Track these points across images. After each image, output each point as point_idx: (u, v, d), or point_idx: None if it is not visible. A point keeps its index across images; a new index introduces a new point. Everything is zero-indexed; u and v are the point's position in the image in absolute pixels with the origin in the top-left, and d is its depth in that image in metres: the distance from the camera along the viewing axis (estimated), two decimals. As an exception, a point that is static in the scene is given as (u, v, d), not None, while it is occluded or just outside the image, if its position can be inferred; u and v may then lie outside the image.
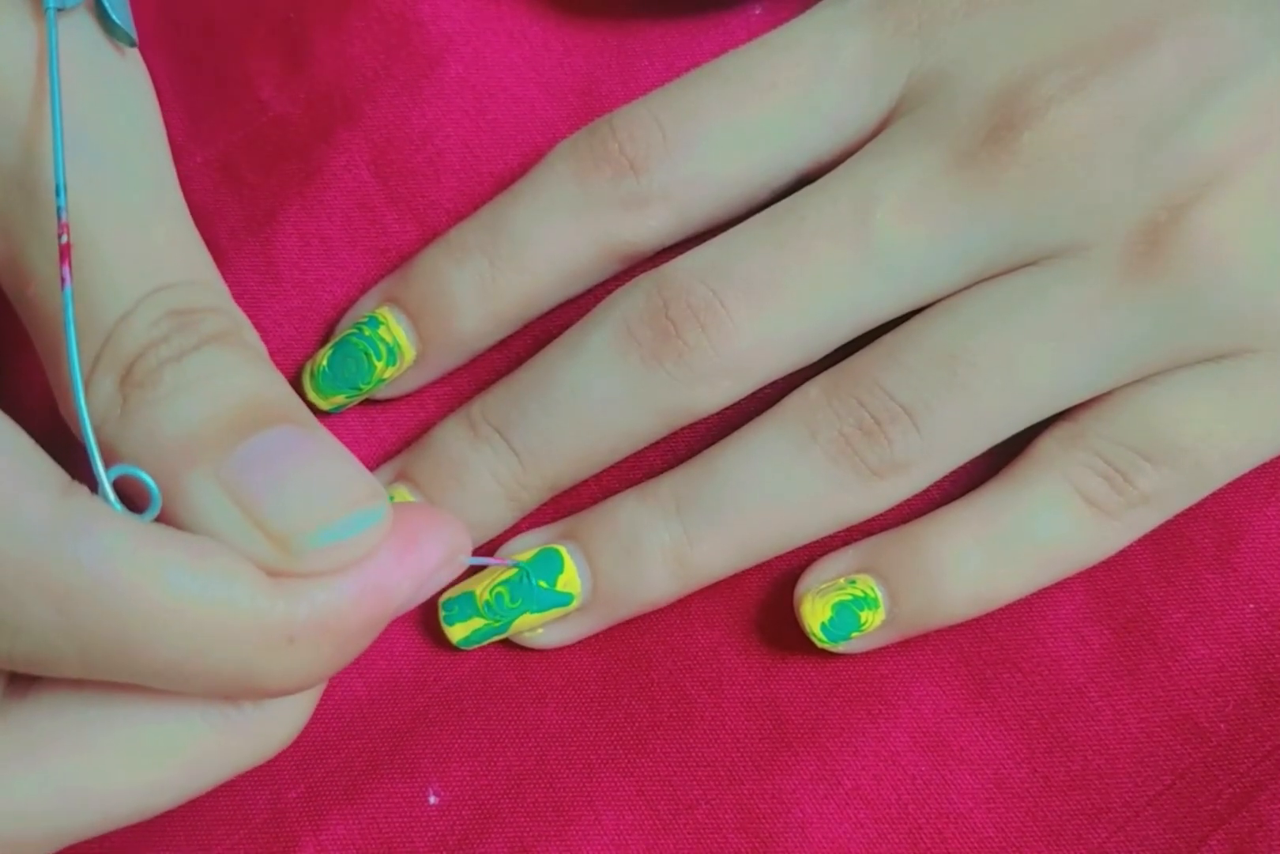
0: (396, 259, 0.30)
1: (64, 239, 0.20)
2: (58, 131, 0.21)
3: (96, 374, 0.20)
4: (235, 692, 0.21)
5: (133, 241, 0.21)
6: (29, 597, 0.18)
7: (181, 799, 0.22)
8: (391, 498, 0.28)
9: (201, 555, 0.19)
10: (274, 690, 0.21)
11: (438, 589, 0.22)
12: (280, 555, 0.20)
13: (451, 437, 0.28)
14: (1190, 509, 0.28)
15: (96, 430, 0.20)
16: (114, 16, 0.23)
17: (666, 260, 0.27)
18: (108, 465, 0.20)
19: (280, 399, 0.21)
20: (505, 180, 0.30)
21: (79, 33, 0.22)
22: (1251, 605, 0.28)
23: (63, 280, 0.20)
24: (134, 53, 0.24)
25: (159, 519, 0.20)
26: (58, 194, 0.20)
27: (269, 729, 0.22)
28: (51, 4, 0.22)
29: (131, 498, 0.20)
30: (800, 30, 0.28)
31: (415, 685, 0.29)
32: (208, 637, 0.19)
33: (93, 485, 0.19)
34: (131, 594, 0.18)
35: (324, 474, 0.20)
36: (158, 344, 0.20)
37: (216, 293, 0.22)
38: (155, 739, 0.21)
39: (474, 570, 0.28)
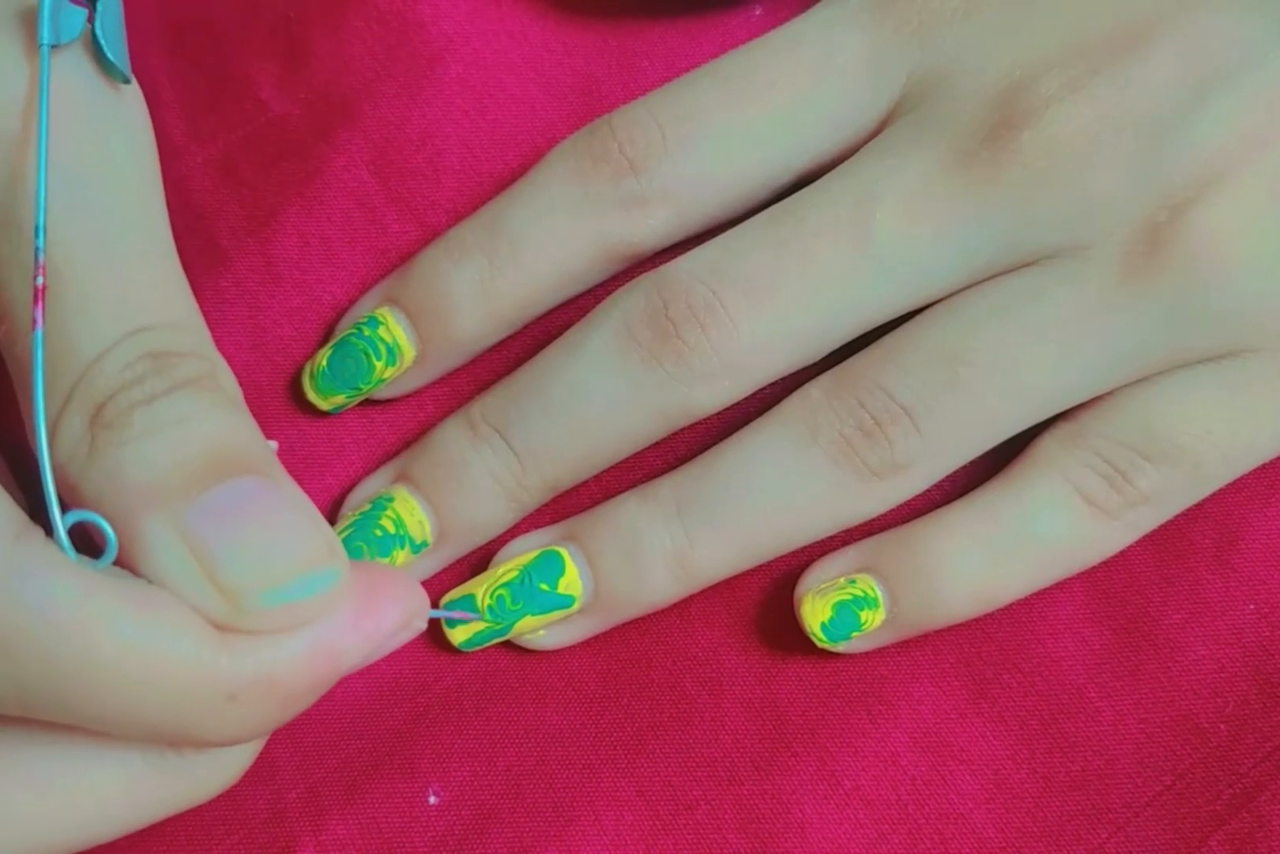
0: (396, 259, 0.30)
1: (39, 281, 0.20)
2: (41, 172, 0.21)
3: (67, 412, 0.20)
4: (174, 740, 0.21)
5: (113, 282, 0.21)
6: None
7: (117, 835, 0.22)
8: (391, 498, 0.28)
9: (149, 607, 0.19)
10: (213, 742, 0.21)
11: (393, 650, 0.22)
12: (229, 611, 0.20)
13: (451, 437, 0.28)
14: (1190, 509, 0.28)
15: (63, 467, 0.20)
16: (108, 54, 0.22)
17: (666, 261, 0.27)
18: (68, 507, 0.20)
19: (248, 449, 0.21)
20: (505, 180, 0.30)
21: (72, 69, 0.22)
22: (1252, 606, 0.28)
23: (34, 322, 0.20)
24: (132, 88, 0.24)
25: (117, 562, 0.20)
26: (37, 235, 0.20)
27: (209, 773, 0.22)
28: (46, 40, 0.22)
29: (92, 541, 0.20)
30: (800, 30, 0.28)
31: (415, 686, 0.29)
32: (148, 688, 0.19)
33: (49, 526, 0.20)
34: (74, 641, 0.18)
35: (283, 530, 0.20)
36: (130, 386, 0.20)
37: (195, 336, 0.22)
38: (95, 778, 0.21)
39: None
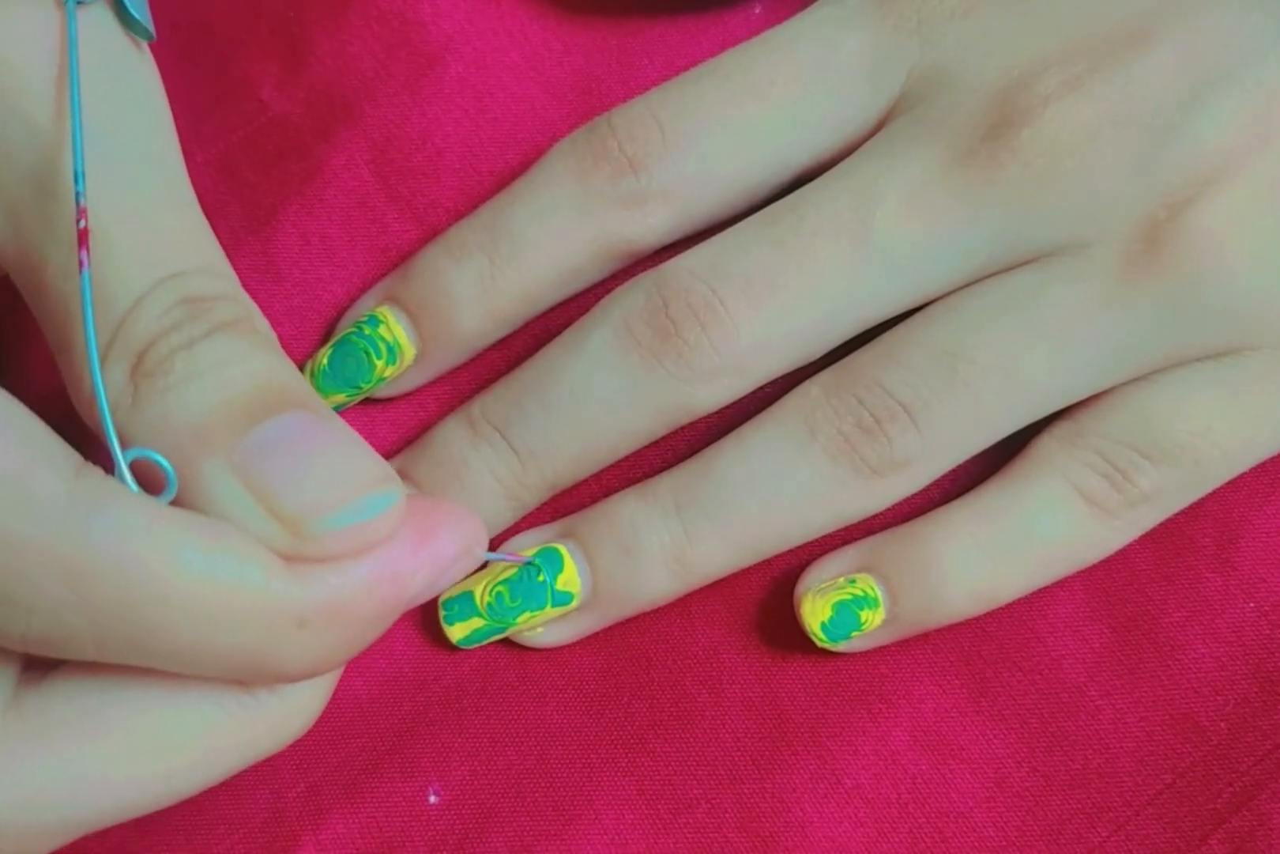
0: (396, 258, 0.30)
1: (82, 224, 0.20)
2: (76, 121, 0.21)
3: (108, 362, 0.20)
4: (247, 675, 0.21)
5: (144, 230, 0.21)
6: (43, 575, 0.18)
7: (196, 788, 0.22)
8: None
9: (216, 537, 0.19)
10: (286, 675, 0.21)
11: (455, 581, 0.22)
12: (293, 539, 0.20)
13: (451, 436, 0.28)
14: (1190, 508, 0.28)
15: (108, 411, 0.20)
16: (133, 11, 0.23)
17: (666, 259, 0.27)
18: (122, 448, 0.20)
19: (291, 385, 0.21)
20: (505, 179, 0.30)
21: (97, 26, 0.23)
22: (1252, 604, 0.28)
23: (81, 264, 0.20)
24: (145, 49, 0.24)
25: (174, 504, 0.20)
26: (76, 181, 0.21)
27: (284, 717, 0.22)
28: None
29: (147, 484, 0.20)
30: (799, 28, 0.28)
31: (415, 685, 0.29)
32: (220, 618, 0.19)
33: (108, 471, 0.20)
34: (145, 573, 0.19)
35: (336, 458, 0.20)
36: (169, 332, 0.20)
37: (227, 280, 0.22)
38: (170, 726, 0.21)
39: (482, 566, 0.28)
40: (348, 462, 0.20)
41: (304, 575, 0.20)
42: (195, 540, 0.19)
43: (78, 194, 0.21)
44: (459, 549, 0.21)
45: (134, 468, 0.20)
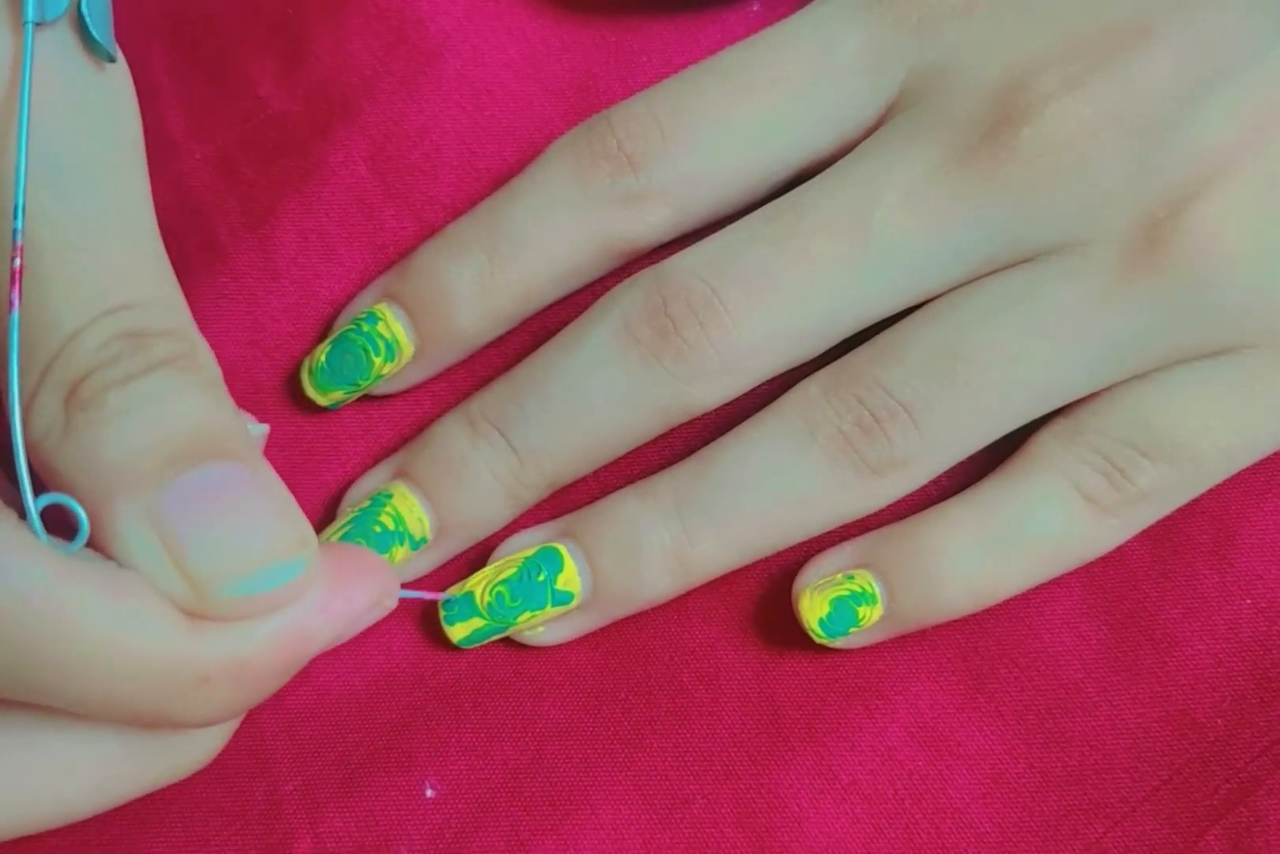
0: (395, 255, 0.30)
1: (16, 263, 0.20)
2: (22, 153, 0.21)
3: (42, 390, 0.20)
4: (147, 723, 0.21)
5: (91, 260, 0.21)
6: None
7: (87, 814, 0.22)
8: (390, 495, 0.28)
9: (119, 592, 0.19)
10: (187, 725, 0.21)
11: (362, 630, 0.22)
12: (195, 599, 0.20)
13: (451, 434, 0.28)
14: (1187, 505, 0.28)
15: (38, 445, 0.20)
16: (94, 32, 0.22)
17: (665, 257, 0.27)
18: (42, 488, 0.20)
19: (223, 431, 0.21)
20: (503, 177, 0.30)
21: (57, 47, 0.22)
22: (1249, 601, 0.28)
23: (10, 304, 0.20)
24: (119, 67, 0.23)
25: (90, 544, 0.20)
26: (15, 215, 0.20)
27: (184, 752, 0.22)
28: (30, 18, 0.21)
29: (68, 520, 0.20)
30: (798, 26, 0.28)
31: (412, 680, 0.29)
32: (121, 672, 0.19)
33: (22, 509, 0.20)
34: (48, 626, 0.19)
35: (252, 519, 0.20)
36: (105, 366, 0.20)
37: (173, 315, 0.22)
38: (68, 756, 0.21)
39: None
40: (263, 524, 0.20)
41: (206, 634, 0.20)
42: (99, 595, 0.19)
43: (15, 231, 0.20)
44: (368, 602, 0.22)
45: (53, 508, 0.20)
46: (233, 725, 0.23)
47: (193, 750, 0.22)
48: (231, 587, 0.20)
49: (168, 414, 0.20)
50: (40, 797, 0.21)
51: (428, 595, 0.28)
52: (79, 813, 0.22)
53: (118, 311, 0.21)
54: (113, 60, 0.23)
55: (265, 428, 0.25)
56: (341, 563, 0.21)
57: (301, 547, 0.20)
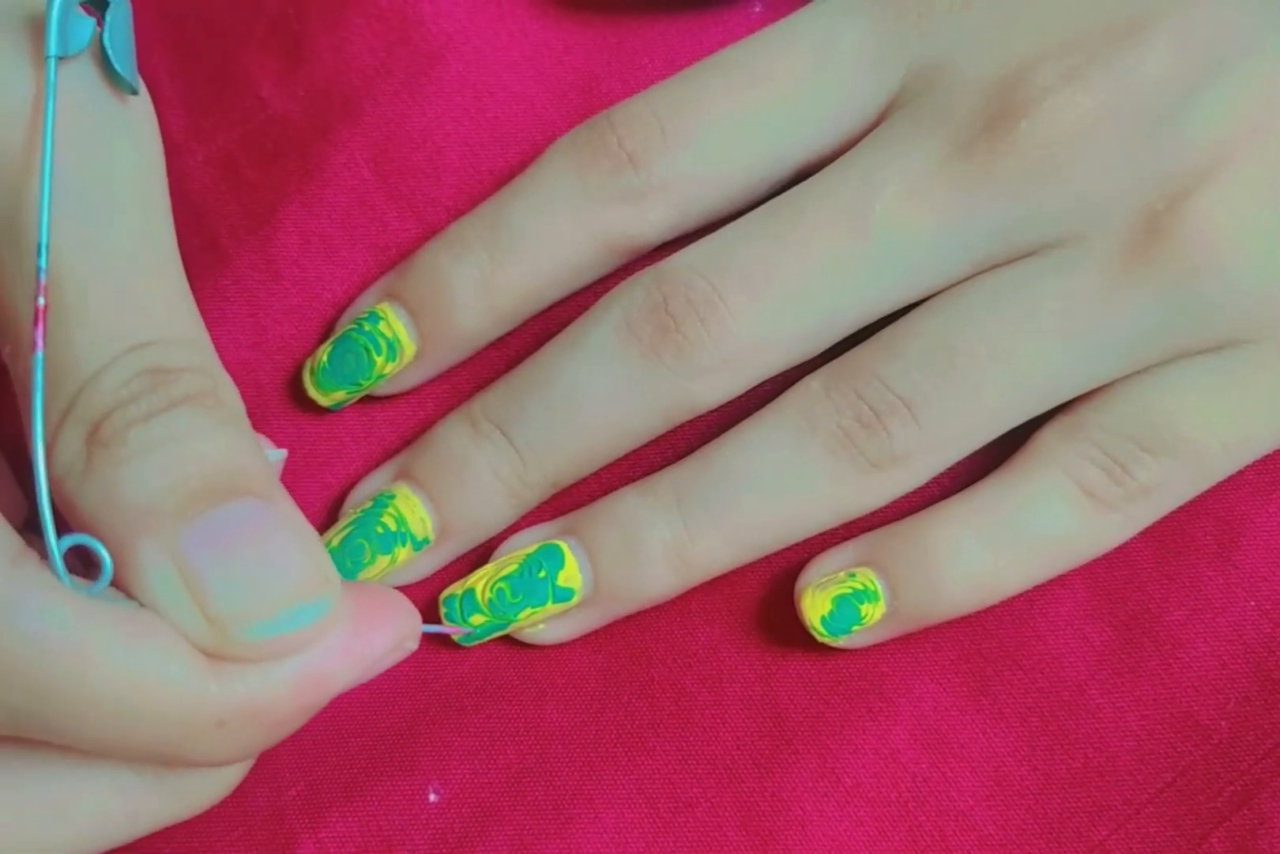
0: (396, 257, 0.30)
1: (40, 301, 0.20)
2: (45, 189, 0.21)
3: (65, 427, 0.20)
4: (162, 762, 0.21)
5: (114, 297, 0.21)
6: None
7: (108, 847, 0.22)
8: (392, 496, 0.28)
9: (140, 633, 0.19)
10: (202, 765, 0.21)
11: (381, 671, 0.22)
12: (216, 640, 0.20)
13: (453, 434, 0.28)
14: (1191, 505, 0.28)
15: (60, 482, 0.20)
16: (116, 65, 0.22)
17: (667, 255, 0.27)
18: (65, 523, 0.20)
19: (246, 468, 0.21)
20: (505, 178, 0.30)
21: (79, 80, 0.22)
22: (1253, 602, 0.28)
23: (35, 344, 0.20)
24: (141, 98, 0.23)
25: (113, 582, 0.20)
26: (39, 253, 0.20)
27: (201, 788, 0.22)
28: (53, 52, 0.21)
29: (87, 563, 0.20)
30: (798, 23, 0.28)
31: (415, 683, 0.29)
32: (138, 714, 0.19)
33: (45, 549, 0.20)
34: (67, 667, 0.19)
35: (274, 560, 0.20)
36: (127, 404, 0.20)
37: (196, 351, 0.22)
38: (86, 792, 0.21)
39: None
40: (285, 565, 0.20)
41: (225, 676, 0.20)
42: (120, 635, 0.19)
43: (39, 269, 0.20)
44: (389, 645, 0.21)
45: (76, 547, 0.20)
46: (249, 762, 0.23)
47: (209, 787, 0.22)
48: (254, 629, 0.20)
49: (190, 452, 0.20)
50: (57, 835, 0.21)
51: (451, 630, 0.28)
52: (96, 848, 0.22)
53: (140, 349, 0.21)
54: (135, 93, 0.23)
55: (283, 453, 0.24)
56: (364, 602, 0.21)
57: (325, 587, 0.20)
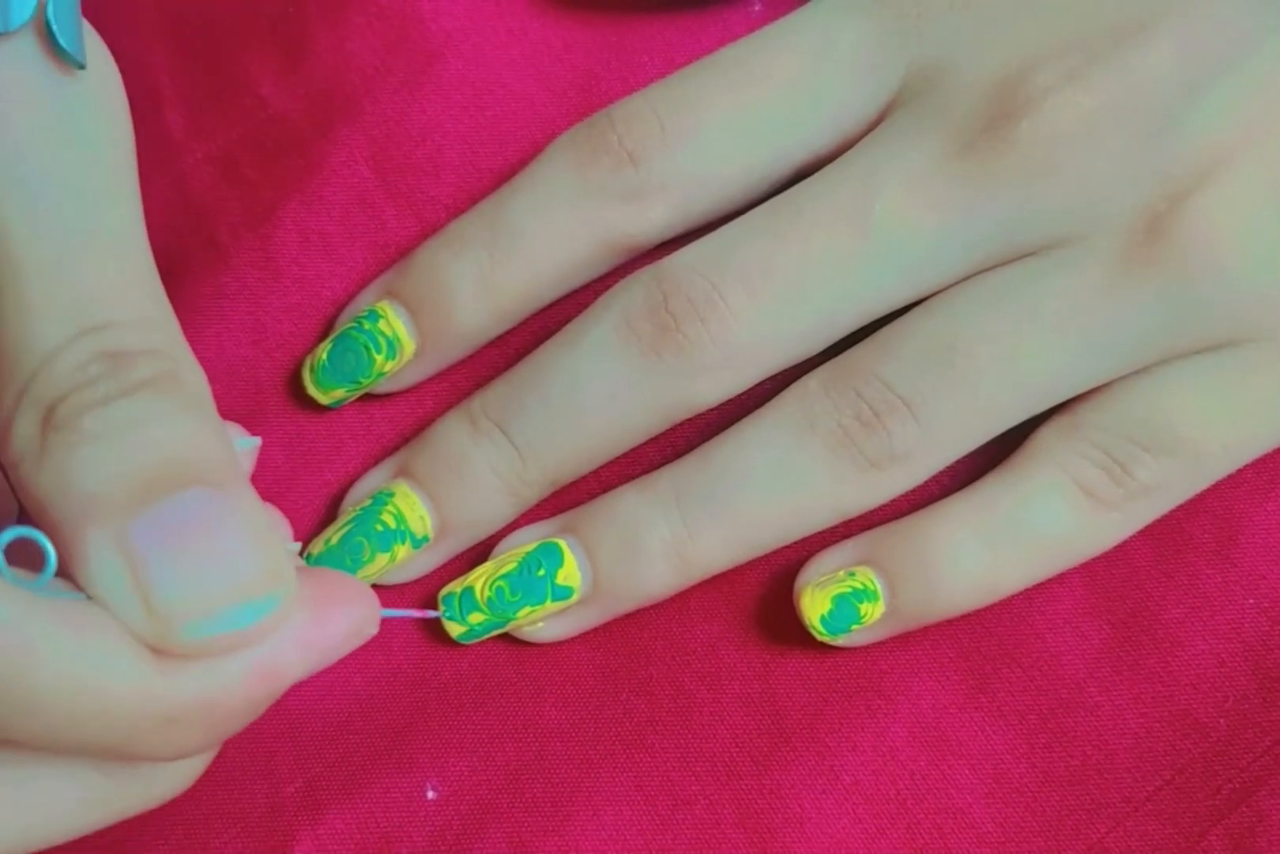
0: (396, 255, 0.30)
1: None
2: None
3: (20, 411, 0.20)
4: (115, 759, 0.20)
5: (70, 277, 0.20)
6: None
7: (68, 839, 0.21)
8: (392, 494, 0.28)
9: (86, 629, 0.19)
10: (155, 760, 0.20)
11: (339, 658, 0.21)
12: (160, 636, 0.19)
13: (452, 432, 0.28)
14: (1190, 504, 0.28)
15: (14, 467, 0.20)
16: (60, 40, 0.21)
17: (667, 254, 0.27)
18: (25, 516, 0.19)
19: (204, 456, 0.20)
20: (504, 176, 0.30)
21: (21, 56, 0.21)
22: (1251, 600, 0.28)
23: None
24: (103, 74, 0.22)
25: (60, 572, 0.19)
26: None
27: (161, 780, 0.22)
28: None
29: (33, 555, 0.19)
30: (799, 22, 0.28)
31: (413, 680, 0.29)
32: (84, 712, 0.19)
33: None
34: (10, 664, 0.18)
35: (224, 552, 0.19)
36: (83, 387, 0.20)
37: (158, 333, 0.21)
38: (44, 784, 0.21)
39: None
40: (236, 558, 0.19)
41: (172, 671, 0.19)
42: (65, 631, 0.18)
43: None
44: (347, 632, 0.21)
45: (20, 540, 0.19)
46: (211, 753, 0.22)
47: (170, 778, 0.22)
48: (195, 627, 0.19)
49: (146, 438, 0.19)
50: (15, 826, 0.21)
51: (412, 613, 0.28)
52: (54, 840, 0.21)
53: (97, 331, 0.20)
54: (83, 67, 0.22)
55: (256, 441, 0.24)
56: (320, 591, 0.21)
57: (275, 582, 0.20)
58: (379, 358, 0.28)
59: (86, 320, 0.20)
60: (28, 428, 0.20)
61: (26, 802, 0.21)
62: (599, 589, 0.28)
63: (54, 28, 0.21)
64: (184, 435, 0.20)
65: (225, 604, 0.19)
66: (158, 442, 0.20)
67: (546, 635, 0.29)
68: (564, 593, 0.28)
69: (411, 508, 0.28)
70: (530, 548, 0.28)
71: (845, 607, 0.27)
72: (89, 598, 0.19)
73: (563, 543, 0.28)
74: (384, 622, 0.22)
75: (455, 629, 0.28)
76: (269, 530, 0.20)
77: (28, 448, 0.20)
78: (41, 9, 0.21)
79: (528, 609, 0.28)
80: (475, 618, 0.28)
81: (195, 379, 0.21)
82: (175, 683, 0.19)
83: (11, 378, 0.20)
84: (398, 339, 0.28)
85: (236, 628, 0.19)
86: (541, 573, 0.28)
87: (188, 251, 0.30)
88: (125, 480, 0.19)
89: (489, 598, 0.28)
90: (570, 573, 0.28)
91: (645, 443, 0.29)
